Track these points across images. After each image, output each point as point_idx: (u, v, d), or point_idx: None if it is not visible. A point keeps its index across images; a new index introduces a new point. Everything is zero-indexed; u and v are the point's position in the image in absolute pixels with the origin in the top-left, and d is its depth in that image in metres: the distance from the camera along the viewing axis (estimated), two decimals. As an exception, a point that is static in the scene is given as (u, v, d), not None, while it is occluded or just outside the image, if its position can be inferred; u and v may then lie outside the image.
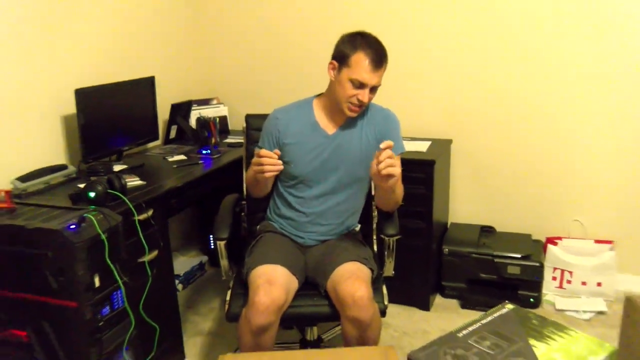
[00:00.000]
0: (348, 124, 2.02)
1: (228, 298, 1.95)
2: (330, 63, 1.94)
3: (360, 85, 1.86)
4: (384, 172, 1.73)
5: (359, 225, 2.18)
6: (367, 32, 1.93)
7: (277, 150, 1.84)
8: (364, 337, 1.82)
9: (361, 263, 1.91)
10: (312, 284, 1.95)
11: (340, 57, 1.89)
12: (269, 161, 1.78)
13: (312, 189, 2.04)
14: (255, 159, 1.84)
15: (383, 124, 2.03)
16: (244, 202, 2.30)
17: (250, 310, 1.76)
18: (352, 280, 1.80)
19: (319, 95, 2.08)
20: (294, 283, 1.88)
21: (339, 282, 1.82)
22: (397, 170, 1.77)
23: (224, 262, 2.02)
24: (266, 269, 1.85)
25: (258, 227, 2.20)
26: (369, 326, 1.80)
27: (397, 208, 2.09)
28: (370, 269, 1.93)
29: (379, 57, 1.86)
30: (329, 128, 2.02)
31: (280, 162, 1.81)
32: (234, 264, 2.08)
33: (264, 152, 1.81)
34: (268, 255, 1.93)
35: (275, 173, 1.84)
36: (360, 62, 1.85)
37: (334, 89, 1.94)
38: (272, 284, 1.78)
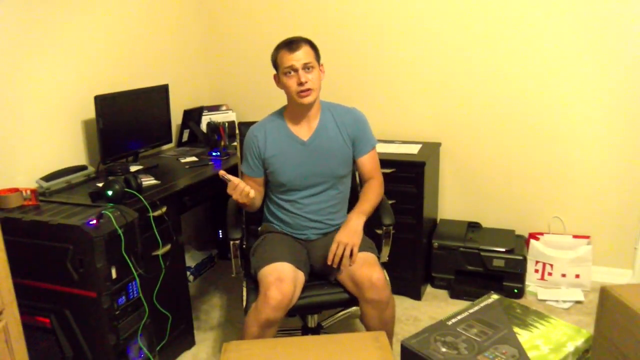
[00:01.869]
0: (320, 128, 2.00)
1: (245, 294, 1.92)
2: (274, 77, 1.98)
3: (293, 70, 1.87)
4: (346, 253, 1.82)
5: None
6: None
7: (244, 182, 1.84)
8: (383, 316, 1.83)
9: (367, 251, 1.92)
10: (317, 275, 1.94)
11: (274, 67, 1.96)
12: (237, 189, 1.80)
13: (300, 191, 2.02)
14: (228, 189, 1.83)
15: (353, 124, 2.02)
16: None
17: (262, 304, 1.73)
18: (366, 266, 1.82)
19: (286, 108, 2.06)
20: (300, 277, 1.87)
21: (355, 270, 1.83)
22: (353, 241, 1.84)
23: (236, 261, 1.98)
24: (274, 266, 1.83)
25: (260, 228, 2.16)
26: (387, 305, 1.82)
27: (391, 203, 2.10)
28: (376, 255, 1.95)
29: (291, 42, 1.89)
30: (303, 135, 2.00)
31: (247, 189, 1.81)
32: (243, 259, 2.06)
33: (233, 182, 1.80)
34: (273, 253, 1.90)
35: (246, 199, 1.83)
36: (281, 55, 1.89)
37: (286, 94, 1.96)
38: (283, 280, 1.76)
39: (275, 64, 1.94)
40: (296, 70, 1.87)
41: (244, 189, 1.80)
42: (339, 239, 1.84)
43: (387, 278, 1.93)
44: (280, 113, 2.05)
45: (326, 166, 2.00)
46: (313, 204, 2.03)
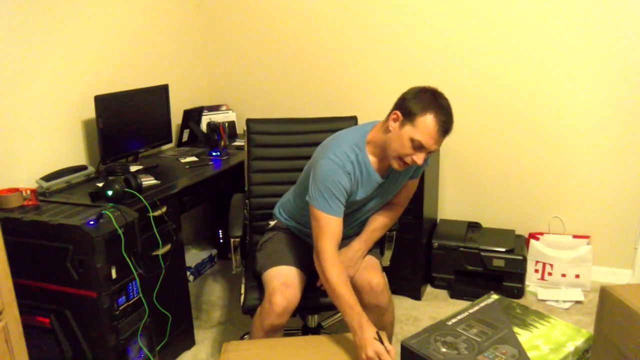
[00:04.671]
0: None
1: (243, 291, 1.92)
2: (394, 113, 1.66)
3: (420, 148, 1.62)
4: None
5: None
6: (438, 91, 1.66)
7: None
8: (382, 321, 1.81)
9: (372, 255, 1.90)
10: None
11: (407, 113, 1.62)
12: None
13: (349, 213, 1.85)
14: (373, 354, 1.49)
15: None
16: (247, 201, 2.28)
17: (266, 311, 1.72)
18: (367, 270, 1.80)
19: (368, 134, 1.77)
20: (304, 280, 1.85)
21: (355, 273, 1.81)
22: (348, 273, 1.78)
23: (236, 257, 1.99)
24: (280, 270, 1.80)
25: (272, 223, 2.09)
26: (386, 311, 1.80)
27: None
28: (378, 259, 1.93)
29: (448, 124, 1.62)
30: (381, 170, 1.79)
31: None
32: (242, 257, 2.06)
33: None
34: (281, 256, 1.87)
35: None
36: (428, 126, 1.58)
37: (390, 140, 1.67)
38: (288, 286, 1.74)
39: (413, 117, 1.60)
40: (423, 151, 1.63)
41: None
42: None
43: (387, 282, 1.93)
44: (363, 142, 1.75)
45: (388, 198, 1.90)
46: (353, 222, 1.93)
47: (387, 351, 1.48)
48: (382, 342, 1.51)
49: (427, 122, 1.58)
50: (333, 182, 1.67)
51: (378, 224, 1.92)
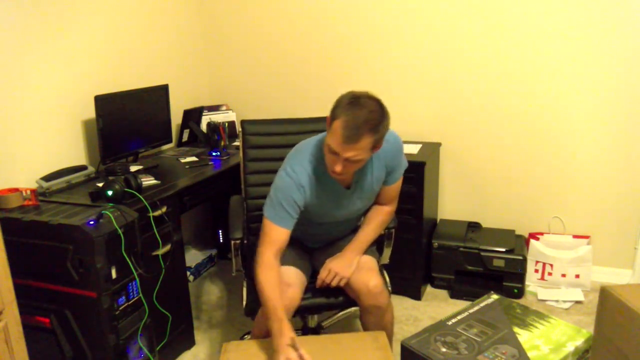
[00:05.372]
0: (362, 172, 1.79)
1: (245, 294, 1.91)
2: (327, 118, 1.63)
3: (334, 153, 1.58)
4: (333, 284, 1.79)
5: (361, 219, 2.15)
6: (366, 96, 1.58)
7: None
8: (382, 321, 1.81)
9: (368, 255, 1.90)
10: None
11: (330, 118, 1.61)
12: None
13: (326, 222, 1.91)
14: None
15: (391, 152, 1.81)
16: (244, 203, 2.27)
17: None
18: (364, 271, 1.79)
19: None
20: (304, 282, 1.86)
21: (352, 275, 1.81)
22: (344, 274, 1.79)
23: (237, 260, 1.98)
24: (281, 270, 1.79)
25: None
26: (385, 311, 1.80)
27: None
28: (376, 259, 1.93)
29: (352, 132, 1.52)
30: (346, 183, 1.79)
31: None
32: (242, 259, 2.05)
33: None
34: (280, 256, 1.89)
35: None
36: (335, 131, 1.55)
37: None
38: (289, 285, 1.74)
39: (331, 121, 1.58)
40: (338, 156, 1.58)
41: None
42: (331, 267, 1.80)
43: (388, 281, 1.92)
44: (321, 152, 1.73)
45: (362, 206, 1.89)
46: (334, 229, 1.96)
47: (303, 359, 1.49)
48: (297, 350, 1.50)
49: (336, 127, 1.55)
50: (284, 196, 1.70)
51: (372, 225, 1.92)
